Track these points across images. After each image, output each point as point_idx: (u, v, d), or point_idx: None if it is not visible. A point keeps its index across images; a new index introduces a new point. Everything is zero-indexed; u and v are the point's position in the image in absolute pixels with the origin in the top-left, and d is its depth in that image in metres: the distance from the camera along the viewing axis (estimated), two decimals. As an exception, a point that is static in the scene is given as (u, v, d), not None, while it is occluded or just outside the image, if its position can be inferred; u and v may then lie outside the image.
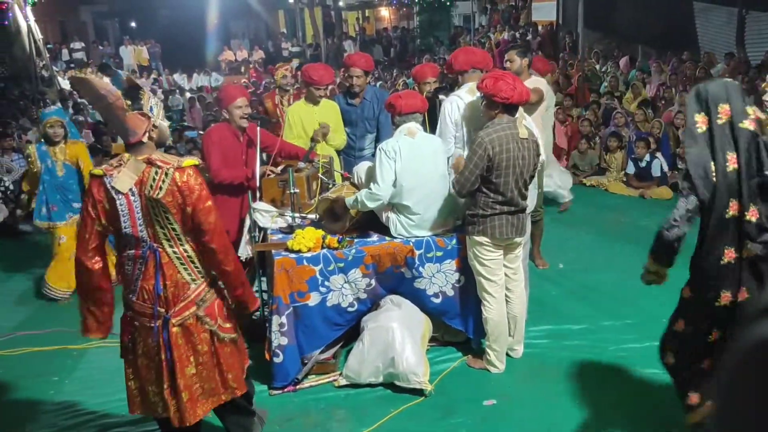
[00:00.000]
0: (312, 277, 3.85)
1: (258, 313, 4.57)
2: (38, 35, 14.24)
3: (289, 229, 4.12)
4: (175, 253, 2.82)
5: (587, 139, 8.65)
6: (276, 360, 3.85)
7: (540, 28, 18.35)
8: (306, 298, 3.85)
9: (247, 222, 4.25)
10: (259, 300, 3.07)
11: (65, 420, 3.78)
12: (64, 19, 24.93)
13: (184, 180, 2.74)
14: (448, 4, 22.83)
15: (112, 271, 3.57)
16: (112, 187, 2.72)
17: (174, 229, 2.79)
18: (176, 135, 11.40)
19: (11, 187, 8.21)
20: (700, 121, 2.72)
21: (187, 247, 2.84)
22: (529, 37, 17.69)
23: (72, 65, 20.62)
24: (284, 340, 3.83)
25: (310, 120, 5.05)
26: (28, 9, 13.93)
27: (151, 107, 2.83)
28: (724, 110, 2.67)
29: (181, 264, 2.84)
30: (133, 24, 26.69)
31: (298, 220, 4.20)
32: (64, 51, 21.59)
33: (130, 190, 2.72)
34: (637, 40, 14.14)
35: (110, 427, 3.68)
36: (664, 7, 13.71)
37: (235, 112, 4.42)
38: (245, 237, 4.28)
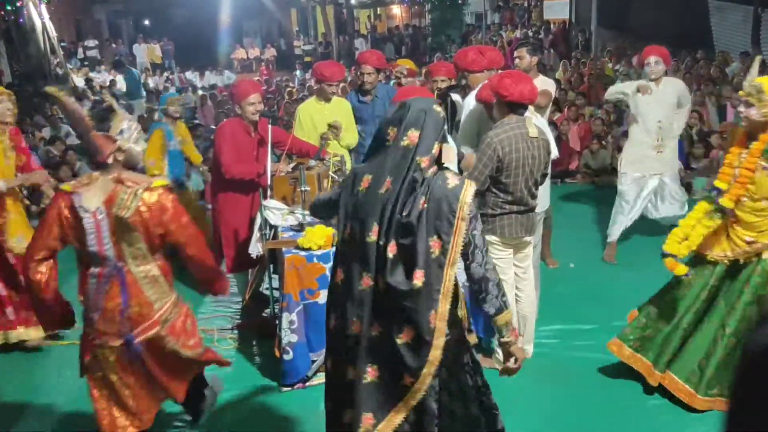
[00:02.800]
0: (322, 274, 3.85)
1: (268, 310, 4.59)
2: (53, 33, 14.35)
3: (300, 227, 4.12)
4: (140, 272, 2.86)
5: (599, 138, 8.60)
6: (286, 357, 3.86)
7: (552, 26, 18.27)
8: (316, 295, 3.86)
9: (258, 219, 4.26)
10: (229, 282, 3.23)
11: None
12: (79, 18, 25.12)
13: (154, 200, 2.79)
14: (460, 2, 22.77)
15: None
16: (80, 206, 2.75)
17: (140, 248, 2.83)
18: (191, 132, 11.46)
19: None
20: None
21: (152, 266, 2.89)
22: (542, 35, 17.63)
23: (86, 63, 20.78)
24: (294, 338, 3.84)
25: (321, 118, 5.06)
26: (43, 7, 14.05)
27: (121, 130, 2.83)
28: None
29: (147, 283, 2.88)
30: (146, 22, 26.86)
31: (308, 218, 4.21)
32: (79, 49, 21.74)
33: (98, 208, 2.75)
34: (651, 38, 13.94)
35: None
36: (678, 5, 13.61)
37: (248, 108, 4.44)
38: (256, 234, 4.29)
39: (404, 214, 2.30)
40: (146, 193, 2.78)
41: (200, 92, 16.86)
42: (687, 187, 7.60)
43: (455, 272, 2.37)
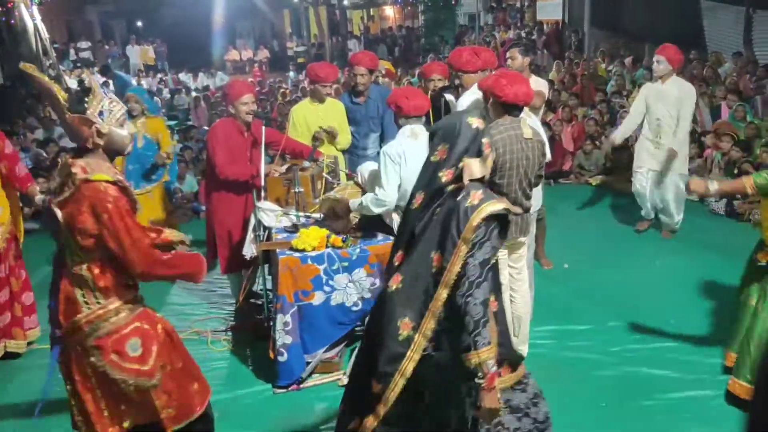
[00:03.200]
0: (316, 276, 3.84)
1: (263, 312, 4.58)
2: (45, 34, 14.27)
3: (294, 228, 4.12)
4: (72, 270, 2.57)
5: (592, 139, 8.61)
6: (280, 359, 3.85)
7: (546, 26, 18.31)
8: (310, 297, 3.85)
9: (252, 221, 4.25)
10: (204, 261, 2.84)
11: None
12: (71, 19, 25.02)
13: (88, 194, 2.46)
14: (453, 2, 22.80)
15: None
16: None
17: (72, 244, 2.54)
18: (182, 134, 11.43)
19: (17, 185, 8.23)
20: None
21: (83, 267, 2.55)
22: (535, 36, 17.66)
23: (78, 64, 20.69)
24: (288, 339, 3.83)
25: (315, 119, 5.05)
26: (35, 8, 13.97)
27: (101, 111, 2.56)
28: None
29: (76, 283, 2.57)
30: (139, 24, 26.75)
31: (302, 219, 4.20)
32: (71, 51, 21.64)
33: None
34: (644, 39, 14.07)
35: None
36: (671, 6, 13.65)
37: (242, 108, 4.43)
38: (250, 236, 4.28)
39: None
40: (84, 184, 2.46)
41: (194, 94, 16.82)
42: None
43: (446, 294, 2.29)
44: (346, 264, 3.87)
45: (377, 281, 4.02)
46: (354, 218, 4.18)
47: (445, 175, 2.31)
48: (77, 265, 2.56)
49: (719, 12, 12.75)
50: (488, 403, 2.28)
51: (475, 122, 2.39)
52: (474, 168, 2.36)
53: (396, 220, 4.05)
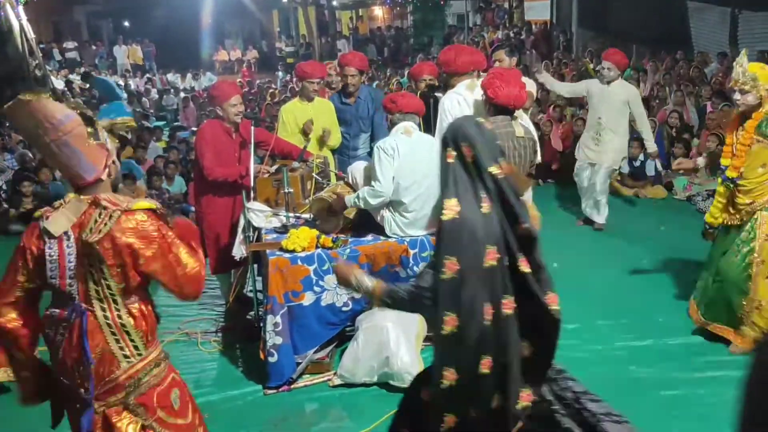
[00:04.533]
0: (306, 276, 3.84)
1: (253, 312, 4.57)
2: (31, 34, 14.15)
3: (284, 229, 4.11)
4: (106, 318, 2.24)
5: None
6: (271, 359, 3.84)
7: (534, 27, 18.37)
8: (300, 297, 3.85)
9: (242, 222, 4.24)
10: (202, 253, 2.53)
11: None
12: (58, 19, 24.85)
13: (131, 226, 2.20)
14: (441, 3, 22.84)
15: None
16: (44, 229, 2.19)
17: (109, 287, 2.22)
18: (170, 136, 11.40)
19: (3, 186, 8.17)
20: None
21: (123, 312, 2.25)
22: (523, 36, 17.72)
23: (64, 65, 20.55)
24: (279, 340, 3.82)
25: (304, 118, 5.05)
26: (21, 8, 13.85)
27: (106, 139, 2.31)
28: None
29: (112, 334, 2.25)
30: (126, 24, 26.60)
31: (292, 220, 4.19)
32: (56, 51, 21.45)
33: (65, 233, 2.19)
34: (631, 39, 14.16)
35: None
36: (658, 6, 13.75)
37: (231, 109, 4.42)
38: (239, 237, 4.27)
39: None
40: (124, 215, 2.20)
41: (182, 94, 16.76)
42: (667, 186, 7.69)
43: None
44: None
45: (367, 281, 4.02)
46: (348, 215, 4.19)
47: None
48: (111, 310, 2.24)
49: (705, 12, 12.86)
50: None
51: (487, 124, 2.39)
52: None
53: (387, 218, 4.06)
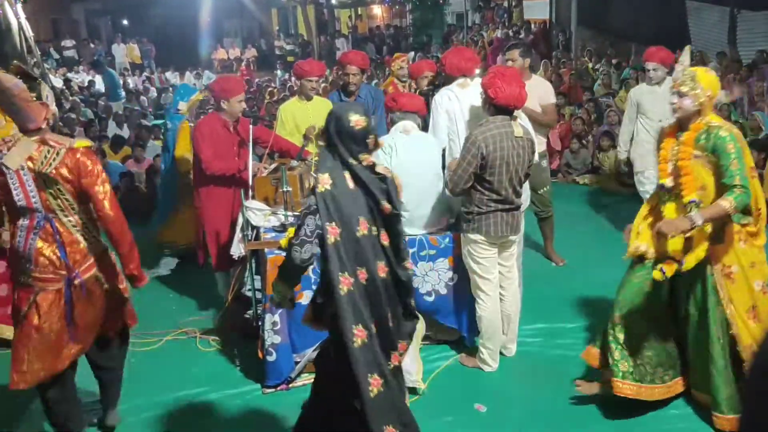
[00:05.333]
0: (305, 275, 3.83)
1: (251, 311, 4.56)
2: (29, 33, 14.12)
3: (282, 228, 4.10)
4: (70, 221, 3.07)
5: (579, 138, 8.65)
6: (269, 358, 3.84)
7: (533, 26, 18.36)
8: (299, 296, 3.83)
9: (240, 220, 4.24)
10: (147, 278, 3.36)
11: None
12: (57, 17, 24.77)
13: (76, 158, 3.01)
14: (441, 1, 22.83)
15: None
16: (3, 164, 2.95)
17: (67, 200, 3.04)
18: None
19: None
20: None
21: (82, 216, 3.10)
22: (522, 35, 17.71)
23: (61, 63, 20.48)
24: (277, 339, 3.82)
25: (303, 117, 5.05)
26: (19, 6, 13.81)
27: (47, 95, 3.10)
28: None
29: (77, 231, 3.09)
30: (125, 22, 26.56)
31: (290, 219, 4.18)
32: (53, 49, 21.38)
33: (21, 166, 2.96)
34: (630, 38, 14.17)
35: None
36: (657, 5, 13.75)
37: (237, 105, 4.48)
38: (238, 235, 4.26)
39: None
40: (69, 152, 3.01)
41: (181, 92, 16.70)
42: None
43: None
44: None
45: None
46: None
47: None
48: (72, 215, 3.07)
49: (704, 12, 12.86)
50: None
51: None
52: None
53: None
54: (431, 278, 4.06)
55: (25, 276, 3.06)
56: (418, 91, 5.03)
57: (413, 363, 3.74)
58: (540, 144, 4.95)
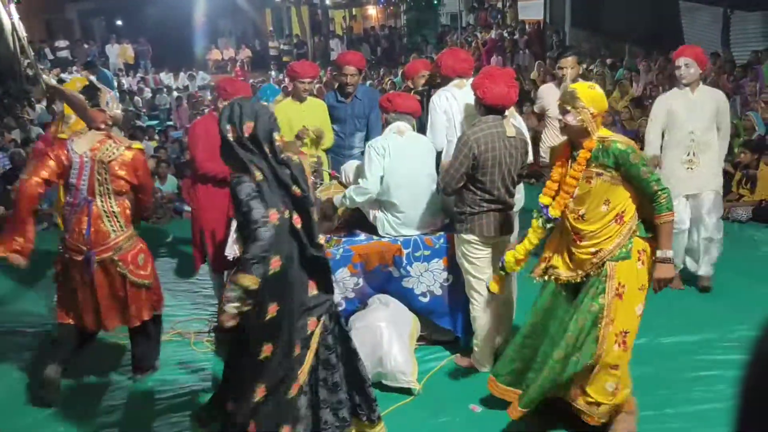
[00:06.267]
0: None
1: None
2: (22, 33, 14.07)
3: (277, 229, 4.09)
4: (103, 207, 3.69)
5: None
6: (264, 360, 3.82)
7: (527, 26, 18.40)
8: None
9: (235, 221, 4.22)
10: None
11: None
12: (50, 17, 24.67)
13: (131, 156, 3.74)
14: (435, 2, 22.85)
15: None
16: (71, 149, 3.66)
17: (108, 189, 3.69)
18: (162, 135, 11.34)
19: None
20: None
21: (114, 203, 3.72)
22: (517, 35, 17.74)
23: (56, 64, 20.40)
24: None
25: (297, 118, 5.04)
26: (12, 7, 13.76)
27: (107, 102, 3.81)
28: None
29: (107, 216, 3.70)
30: (119, 22, 26.48)
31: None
32: (47, 50, 21.29)
33: (84, 152, 3.66)
34: (624, 39, 14.21)
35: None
36: (650, 6, 13.80)
37: None
38: (232, 236, 4.24)
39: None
40: (126, 150, 3.73)
41: (175, 94, 16.68)
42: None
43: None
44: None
45: (360, 281, 4.02)
46: (338, 217, 4.18)
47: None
48: (107, 202, 3.70)
49: (698, 12, 12.92)
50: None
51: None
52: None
53: (380, 218, 4.06)
54: (426, 279, 4.06)
55: (63, 244, 3.75)
56: (413, 91, 5.02)
57: (408, 363, 3.74)
58: None
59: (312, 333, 2.82)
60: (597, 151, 3.04)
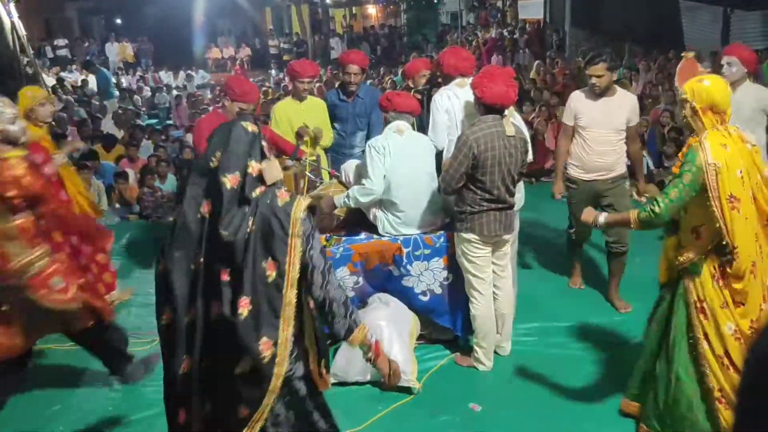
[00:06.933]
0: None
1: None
2: (22, 32, 14.05)
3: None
4: (1, 230, 3.29)
5: (574, 137, 8.65)
6: (263, 359, 3.82)
7: (527, 26, 18.40)
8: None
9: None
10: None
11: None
12: (50, 16, 24.65)
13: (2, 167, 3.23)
14: (435, 1, 22.84)
15: None
16: None
17: None
18: (162, 134, 11.31)
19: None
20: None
21: (11, 225, 3.29)
22: (516, 35, 17.75)
23: (56, 62, 20.39)
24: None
25: (297, 117, 5.04)
26: (12, 5, 13.74)
27: None
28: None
29: (7, 239, 3.28)
30: (118, 21, 26.47)
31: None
32: (47, 48, 21.30)
33: None
34: (624, 38, 14.20)
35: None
36: (651, 5, 13.80)
37: (249, 108, 4.48)
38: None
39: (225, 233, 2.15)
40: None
41: (174, 92, 16.66)
42: (660, 185, 7.70)
43: (294, 295, 2.22)
44: (329, 263, 3.85)
45: (360, 280, 4.02)
46: (340, 214, 4.18)
47: (229, 181, 2.16)
48: (3, 223, 3.26)
49: (698, 11, 12.92)
50: (385, 368, 2.49)
51: (250, 127, 2.27)
52: (275, 171, 2.27)
53: (380, 217, 4.06)
54: (426, 278, 4.05)
55: None
56: (413, 90, 5.03)
57: (408, 362, 3.74)
58: (622, 165, 4.63)
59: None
60: (687, 153, 2.86)
